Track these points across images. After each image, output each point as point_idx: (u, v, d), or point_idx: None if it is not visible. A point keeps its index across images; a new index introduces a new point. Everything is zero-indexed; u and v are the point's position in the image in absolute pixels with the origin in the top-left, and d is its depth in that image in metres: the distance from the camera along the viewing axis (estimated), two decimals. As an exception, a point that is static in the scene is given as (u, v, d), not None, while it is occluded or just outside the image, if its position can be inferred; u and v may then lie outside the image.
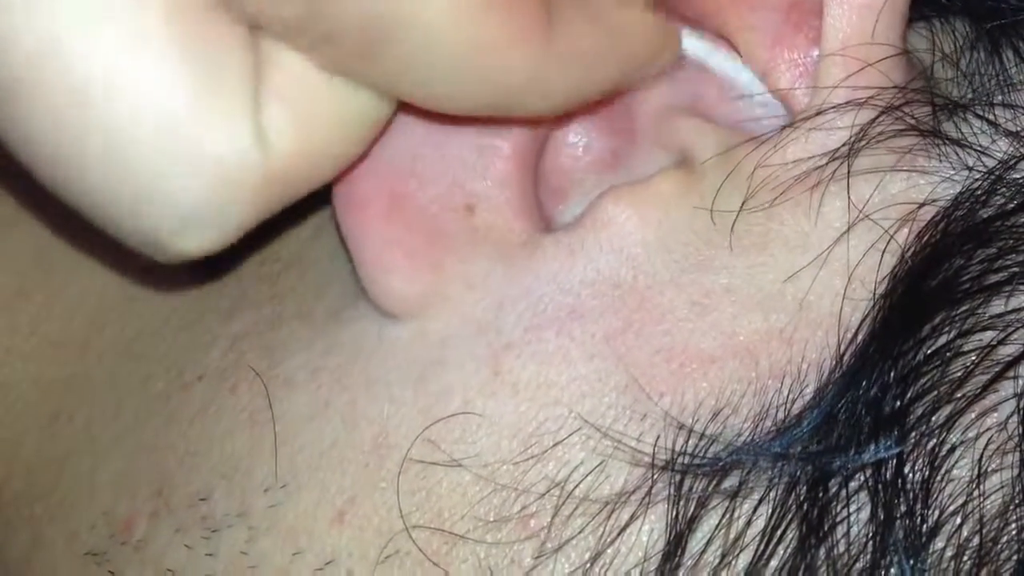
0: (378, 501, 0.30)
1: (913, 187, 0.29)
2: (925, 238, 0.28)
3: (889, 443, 0.27)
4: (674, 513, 0.28)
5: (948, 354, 0.27)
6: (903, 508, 0.27)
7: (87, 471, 0.34)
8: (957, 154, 0.29)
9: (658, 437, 0.28)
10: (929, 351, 0.27)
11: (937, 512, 0.27)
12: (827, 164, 0.29)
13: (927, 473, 0.27)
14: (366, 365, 0.31)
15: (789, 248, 0.29)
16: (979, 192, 0.28)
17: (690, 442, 0.28)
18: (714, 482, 0.28)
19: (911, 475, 0.27)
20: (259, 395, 0.31)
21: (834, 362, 0.28)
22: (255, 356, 0.32)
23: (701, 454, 0.28)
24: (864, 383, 0.27)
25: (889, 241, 0.28)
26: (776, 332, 0.29)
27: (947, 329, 0.27)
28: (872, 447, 0.27)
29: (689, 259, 0.29)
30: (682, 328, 0.29)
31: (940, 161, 0.29)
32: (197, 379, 0.33)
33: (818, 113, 0.29)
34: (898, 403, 0.27)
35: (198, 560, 0.31)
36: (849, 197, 0.29)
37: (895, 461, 0.27)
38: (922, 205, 0.29)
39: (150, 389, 0.34)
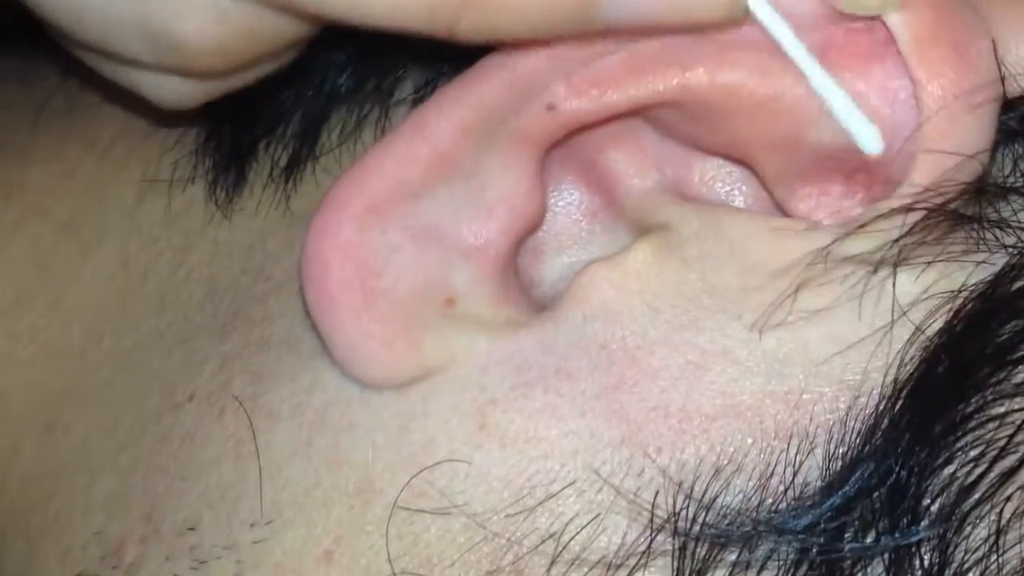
0: (364, 544, 0.29)
1: (947, 276, 0.27)
2: (951, 316, 0.27)
3: (910, 529, 0.26)
4: (676, 566, 0.27)
5: (972, 424, 0.26)
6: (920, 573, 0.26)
7: (82, 486, 0.34)
8: (996, 237, 0.27)
9: (656, 493, 0.27)
10: (952, 423, 0.26)
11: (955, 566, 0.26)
12: (876, 260, 0.27)
13: (944, 551, 0.26)
14: (347, 409, 0.30)
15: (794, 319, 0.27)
16: (1016, 265, 0.27)
17: (691, 503, 0.27)
18: (718, 548, 0.27)
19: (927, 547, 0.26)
20: (244, 424, 0.31)
21: (845, 428, 0.27)
22: (242, 381, 0.31)
23: (703, 518, 0.27)
24: (886, 463, 0.26)
25: (916, 332, 0.27)
26: (781, 395, 0.27)
27: (976, 400, 0.26)
28: (892, 534, 0.26)
29: (679, 319, 0.28)
30: (678, 387, 0.28)
31: (978, 245, 0.27)
32: (188, 399, 0.32)
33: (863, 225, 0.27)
34: (919, 484, 0.26)
35: None
36: (895, 294, 0.27)
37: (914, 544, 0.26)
38: (958, 292, 0.27)
39: (144, 405, 0.33)
